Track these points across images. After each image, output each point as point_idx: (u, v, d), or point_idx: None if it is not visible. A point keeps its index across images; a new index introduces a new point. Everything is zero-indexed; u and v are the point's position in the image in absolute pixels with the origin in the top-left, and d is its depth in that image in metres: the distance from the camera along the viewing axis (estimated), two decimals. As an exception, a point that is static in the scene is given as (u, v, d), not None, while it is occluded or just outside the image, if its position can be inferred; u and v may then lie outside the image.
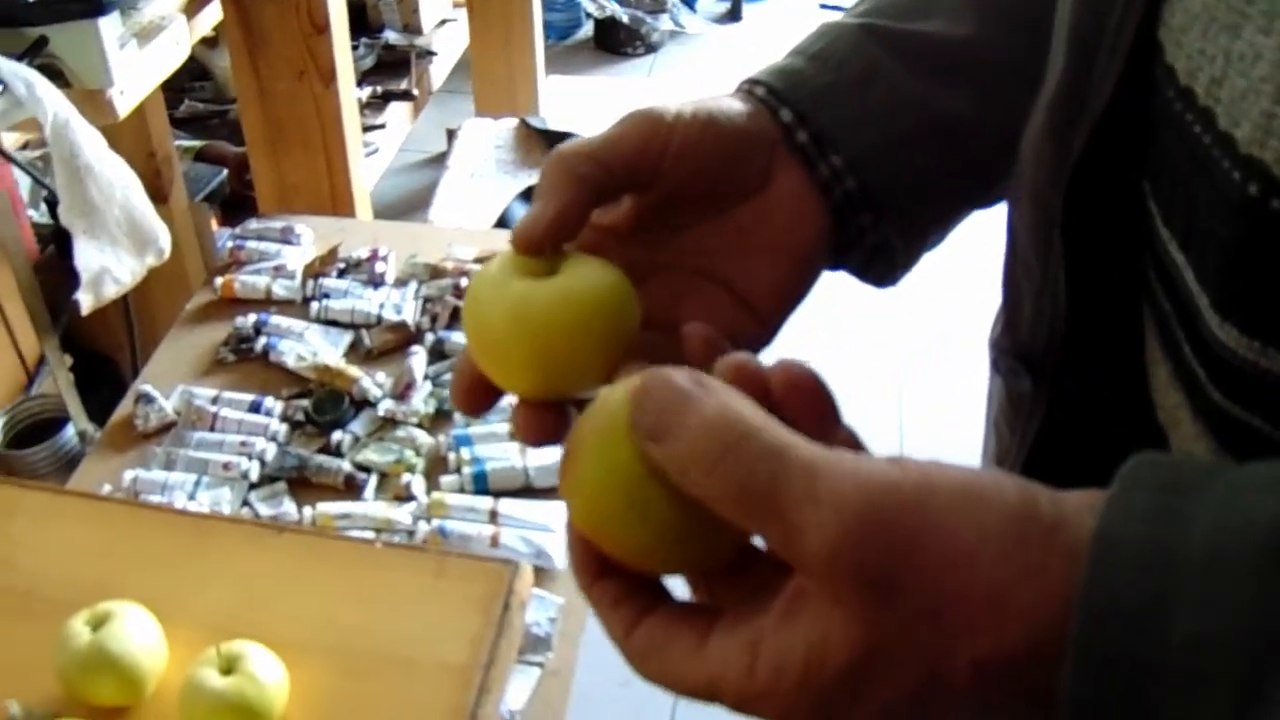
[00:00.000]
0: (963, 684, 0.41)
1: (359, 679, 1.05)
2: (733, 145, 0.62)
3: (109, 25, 1.60)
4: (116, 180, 1.64)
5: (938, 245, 0.72)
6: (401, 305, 1.92)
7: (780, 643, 0.44)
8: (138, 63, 1.69)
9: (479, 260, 1.99)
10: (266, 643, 1.03)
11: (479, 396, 0.58)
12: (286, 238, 2.06)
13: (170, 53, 1.77)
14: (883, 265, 0.69)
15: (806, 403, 0.49)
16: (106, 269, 1.69)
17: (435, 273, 1.98)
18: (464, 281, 1.93)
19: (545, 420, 0.56)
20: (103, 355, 2.44)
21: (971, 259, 2.12)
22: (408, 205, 3.53)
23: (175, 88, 2.90)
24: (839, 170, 0.64)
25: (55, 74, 1.58)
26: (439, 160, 3.31)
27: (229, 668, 1.00)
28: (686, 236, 0.63)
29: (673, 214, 0.62)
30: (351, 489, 1.63)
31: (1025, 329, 0.69)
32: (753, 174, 0.63)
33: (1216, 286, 0.48)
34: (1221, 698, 0.36)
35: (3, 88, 1.45)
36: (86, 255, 1.66)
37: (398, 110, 2.94)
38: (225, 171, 2.44)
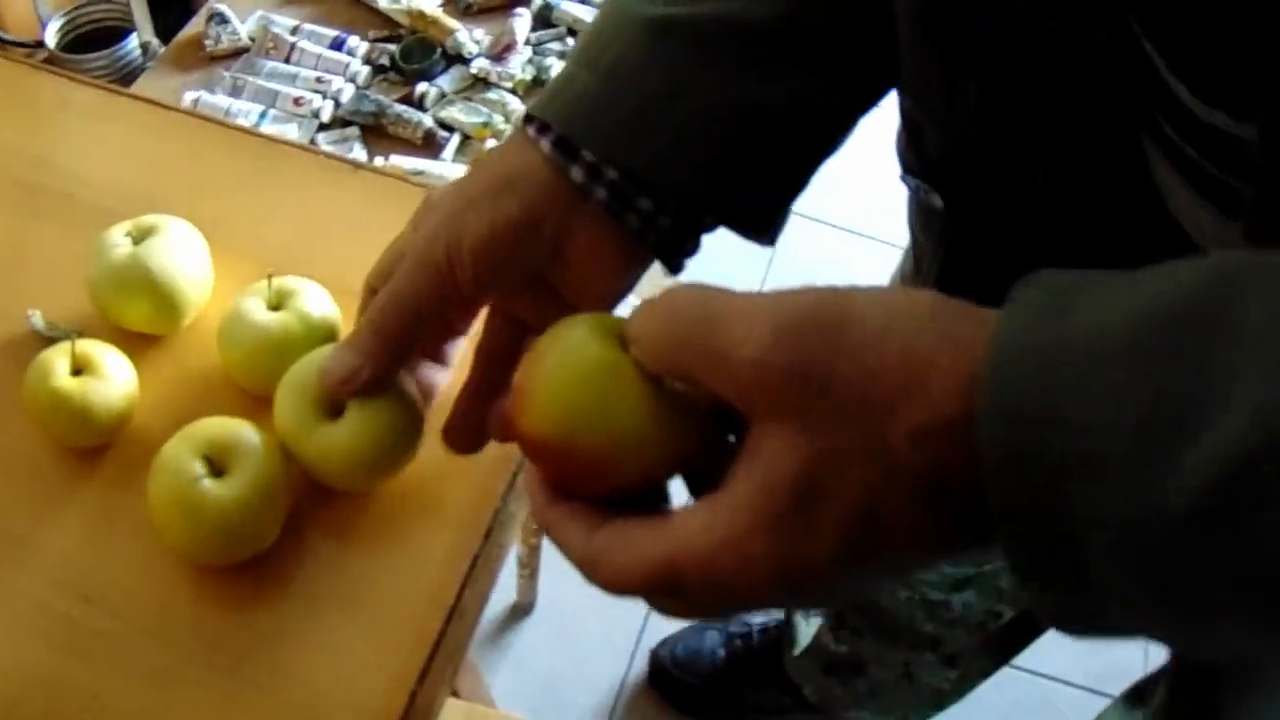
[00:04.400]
0: (904, 462, 0.41)
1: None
2: (517, 244, 0.63)
3: None
4: None
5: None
6: (509, -39, 1.74)
7: (736, 490, 0.44)
8: None
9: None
10: (324, 285, 0.90)
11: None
12: None
13: None
14: (745, 232, 0.67)
15: None
16: None
17: (549, -69, 1.80)
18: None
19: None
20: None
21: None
22: None
23: None
24: (649, 213, 0.62)
25: None
26: None
27: (278, 303, 0.88)
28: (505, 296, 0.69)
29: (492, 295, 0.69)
30: (430, 146, 1.50)
31: (932, 152, 0.68)
32: (543, 250, 0.64)
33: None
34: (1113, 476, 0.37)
35: None
36: None
37: None
38: None
